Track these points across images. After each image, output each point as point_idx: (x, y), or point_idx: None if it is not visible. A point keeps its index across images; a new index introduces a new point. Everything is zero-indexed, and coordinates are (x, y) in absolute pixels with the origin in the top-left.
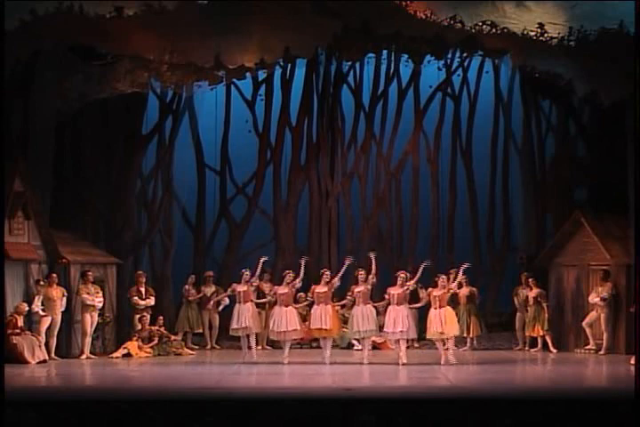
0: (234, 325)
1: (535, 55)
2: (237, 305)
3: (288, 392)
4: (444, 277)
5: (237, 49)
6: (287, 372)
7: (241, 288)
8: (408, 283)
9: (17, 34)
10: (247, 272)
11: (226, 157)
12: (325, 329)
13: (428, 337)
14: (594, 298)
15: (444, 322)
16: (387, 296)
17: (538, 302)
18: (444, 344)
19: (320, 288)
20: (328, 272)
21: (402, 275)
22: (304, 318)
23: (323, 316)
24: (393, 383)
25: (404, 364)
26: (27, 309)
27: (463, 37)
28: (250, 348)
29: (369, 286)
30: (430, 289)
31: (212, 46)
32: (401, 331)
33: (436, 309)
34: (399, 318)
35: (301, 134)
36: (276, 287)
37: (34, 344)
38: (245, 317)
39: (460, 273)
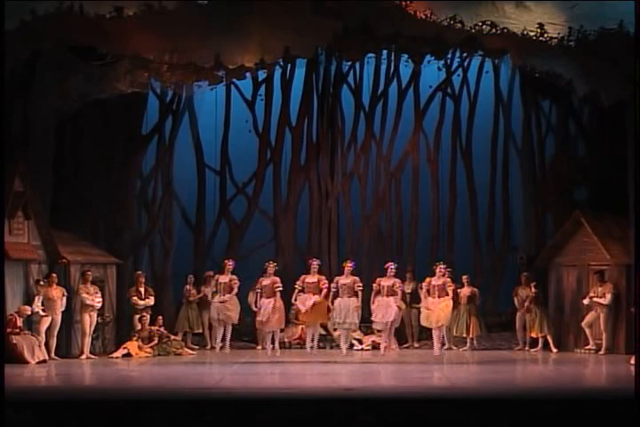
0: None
1: (535, 55)
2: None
3: (288, 392)
4: (442, 266)
5: (237, 49)
6: (287, 372)
7: (223, 279)
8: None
9: (17, 34)
10: (230, 262)
11: (226, 157)
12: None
13: (424, 324)
14: (594, 299)
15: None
16: (375, 286)
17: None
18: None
19: (310, 278)
20: (316, 262)
21: (392, 266)
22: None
23: (307, 304)
24: (393, 383)
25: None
26: (29, 312)
27: (463, 37)
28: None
29: (356, 279)
30: (429, 278)
31: (212, 46)
32: (388, 322)
33: (434, 298)
34: (389, 309)
35: (301, 134)
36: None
37: (34, 344)
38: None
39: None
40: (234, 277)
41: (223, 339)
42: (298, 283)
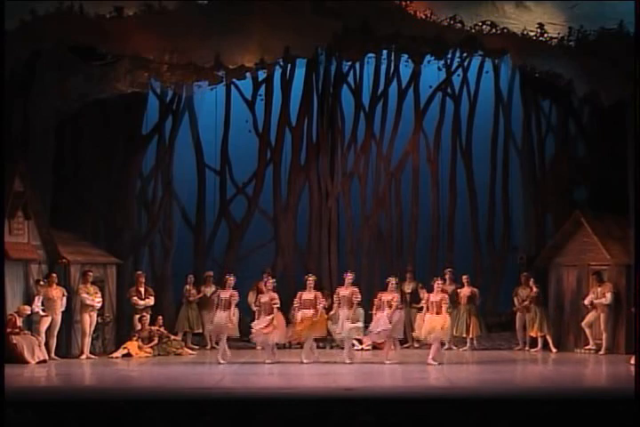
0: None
1: (535, 55)
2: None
3: (288, 392)
4: (439, 281)
5: (237, 49)
6: (287, 372)
7: (224, 295)
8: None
9: (17, 34)
10: (231, 278)
11: (226, 157)
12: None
13: (415, 336)
14: (594, 300)
15: (437, 328)
16: (377, 301)
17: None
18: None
19: (306, 295)
20: (312, 278)
21: (392, 282)
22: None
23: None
24: (393, 383)
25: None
26: (28, 312)
27: (463, 37)
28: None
29: (355, 291)
30: (427, 294)
31: (212, 46)
32: (381, 331)
33: (432, 314)
34: (382, 320)
35: (301, 134)
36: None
37: (34, 344)
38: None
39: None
40: (234, 292)
41: (224, 354)
42: (295, 300)
